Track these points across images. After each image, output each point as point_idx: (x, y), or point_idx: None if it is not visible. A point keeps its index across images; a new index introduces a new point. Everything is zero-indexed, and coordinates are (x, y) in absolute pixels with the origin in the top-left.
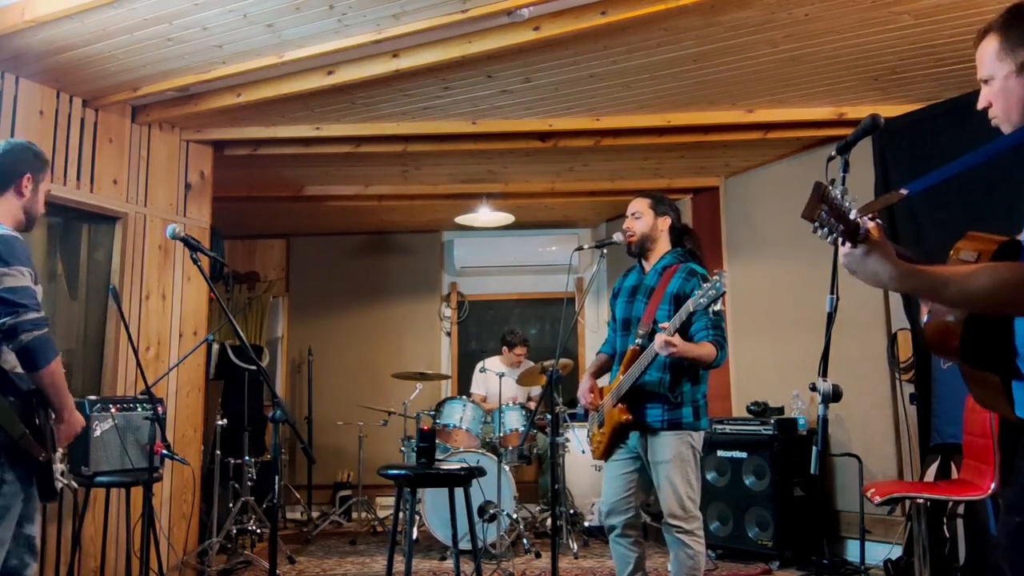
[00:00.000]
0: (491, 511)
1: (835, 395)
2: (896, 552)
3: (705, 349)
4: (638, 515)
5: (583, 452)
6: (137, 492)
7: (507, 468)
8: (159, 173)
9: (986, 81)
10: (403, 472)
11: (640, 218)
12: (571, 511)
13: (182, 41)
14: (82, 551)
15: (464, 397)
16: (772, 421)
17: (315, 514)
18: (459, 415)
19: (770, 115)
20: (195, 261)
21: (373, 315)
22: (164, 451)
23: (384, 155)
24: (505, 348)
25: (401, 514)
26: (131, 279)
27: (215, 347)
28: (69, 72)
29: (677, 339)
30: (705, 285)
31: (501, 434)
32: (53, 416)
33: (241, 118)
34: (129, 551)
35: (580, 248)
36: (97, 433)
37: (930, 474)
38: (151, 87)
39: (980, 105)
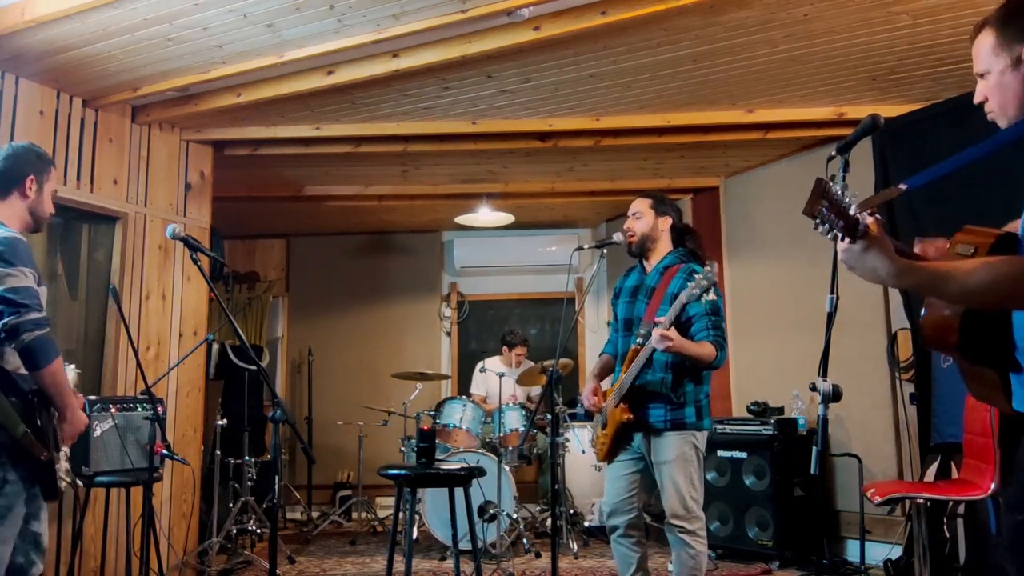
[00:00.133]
0: (491, 511)
1: (835, 395)
2: (896, 552)
3: (704, 348)
4: (640, 515)
5: (583, 452)
6: (137, 492)
7: (507, 468)
8: (159, 173)
9: (982, 75)
10: (403, 472)
11: (641, 218)
12: (571, 511)
13: (182, 41)
14: (83, 551)
15: (464, 397)
16: (772, 421)
17: (315, 514)
18: (459, 415)
19: (770, 115)
20: (195, 261)
21: (373, 315)
22: (164, 451)
23: (384, 155)
24: (505, 348)
25: (401, 514)
26: (131, 279)
27: (215, 347)
28: (69, 72)
29: (673, 332)
30: (697, 276)
31: (501, 434)
32: (56, 416)
33: (241, 118)
34: (129, 551)
35: (580, 248)
36: (97, 433)
37: (930, 474)
38: (151, 87)
39: (976, 100)
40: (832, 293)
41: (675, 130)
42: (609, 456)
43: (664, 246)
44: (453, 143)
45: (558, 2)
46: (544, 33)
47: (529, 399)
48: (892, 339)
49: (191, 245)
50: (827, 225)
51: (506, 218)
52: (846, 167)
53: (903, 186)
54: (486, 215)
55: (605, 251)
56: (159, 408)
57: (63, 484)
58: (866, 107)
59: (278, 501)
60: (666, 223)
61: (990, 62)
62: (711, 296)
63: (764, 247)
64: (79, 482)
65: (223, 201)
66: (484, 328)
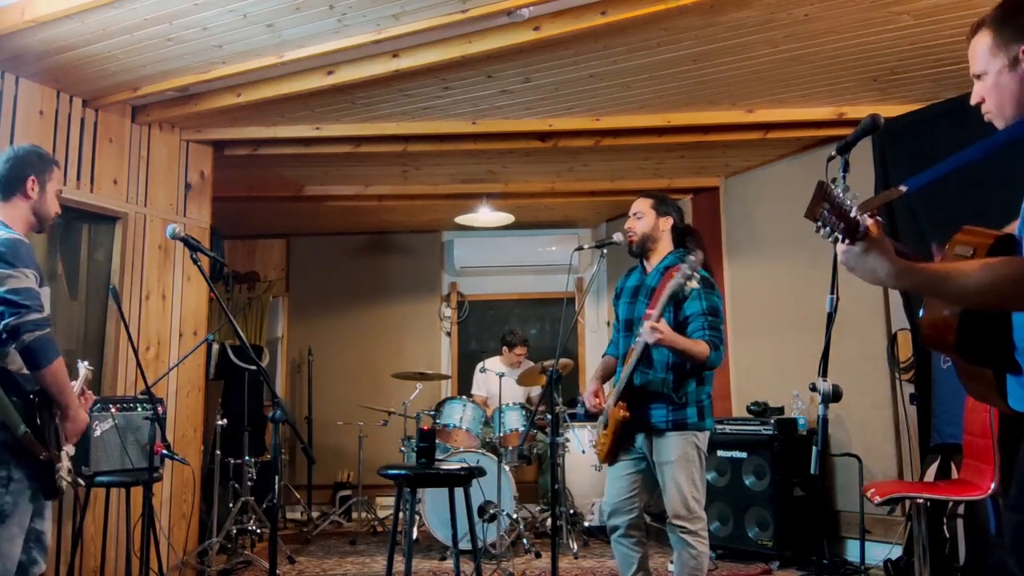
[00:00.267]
0: (491, 511)
1: (835, 395)
2: (896, 552)
3: (698, 346)
4: (641, 516)
5: (583, 452)
6: (137, 492)
7: (507, 468)
8: (159, 173)
9: (979, 76)
10: (403, 472)
11: (642, 218)
12: (571, 511)
13: (182, 41)
14: (83, 551)
15: (464, 397)
16: (772, 421)
17: (315, 514)
18: (459, 415)
19: (770, 115)
20: (195, 261)
21: (373, 315)
22: (164, 451)
23: (384, 155)
24: (505, 348)
25: (401, 514)
26: (131, 279)
27: (215, 347)
28: (69, 72)
29: (663, 324)
30: (683, 266)
31: (501, 434)
32: (59, 415)
33: (241, 118)
34: (129, 551)
35: (580, 248)
36: (97, 433)
37: (930, 474)
38: (151, 87)
39: (973, 101)
40: (832, 293)
41: (675, 130)
42: (610, 458)
43: (665, 246)
44: (453, 143)
45: (558, 2)
46: (544, 33)
47: (529, 399)
48: (892, 339)
49: (191, 245)
50: (828, 227)
51: (506, 218)
52: (846, 167)
53: (903, 187)
54: (486, 215)
55: (605, 251)
56: (159, 408)
57: (64, 483)
58: (866, 107)
59: (278, 501)
60: (667, 223)
61: (987, 63)
62: (695, 284)
63: (764, 247)
64: (80, 481)
65: (223, 201)
66: (484, 328)
